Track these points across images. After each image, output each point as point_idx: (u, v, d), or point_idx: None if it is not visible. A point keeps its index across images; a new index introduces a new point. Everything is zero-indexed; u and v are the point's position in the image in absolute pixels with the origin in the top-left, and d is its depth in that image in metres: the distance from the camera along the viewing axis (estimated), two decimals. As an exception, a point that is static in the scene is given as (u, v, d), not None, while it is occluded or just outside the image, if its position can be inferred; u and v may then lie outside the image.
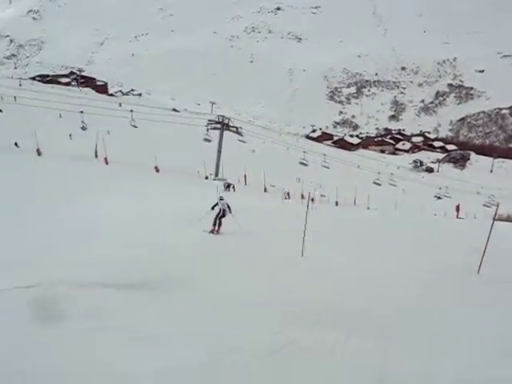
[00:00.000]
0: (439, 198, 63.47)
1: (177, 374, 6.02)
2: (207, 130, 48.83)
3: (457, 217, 44.80)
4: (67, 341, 6.49)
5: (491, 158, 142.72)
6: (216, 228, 16.55)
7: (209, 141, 50.32)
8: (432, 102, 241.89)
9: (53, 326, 6.91)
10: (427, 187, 67.82)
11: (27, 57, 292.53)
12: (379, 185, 60.13)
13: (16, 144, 34.60)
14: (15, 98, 48.37)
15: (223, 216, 16.61)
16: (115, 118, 50.85)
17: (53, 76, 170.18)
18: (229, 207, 16.82)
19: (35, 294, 7.96)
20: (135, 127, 49.27)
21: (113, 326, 7.16)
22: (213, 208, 16.64)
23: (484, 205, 61.59)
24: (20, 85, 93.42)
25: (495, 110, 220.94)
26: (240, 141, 50.16)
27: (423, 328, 8.60)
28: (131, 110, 46.90)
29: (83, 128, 45.31)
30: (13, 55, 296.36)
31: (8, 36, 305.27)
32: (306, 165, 57.14)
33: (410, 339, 8.02)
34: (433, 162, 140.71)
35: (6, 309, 7.20)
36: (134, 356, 6.32)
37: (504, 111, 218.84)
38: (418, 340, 7.99)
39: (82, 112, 43.56)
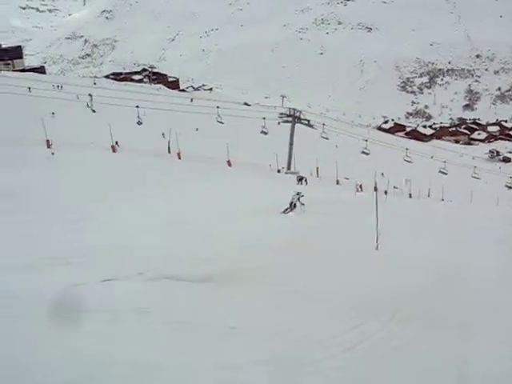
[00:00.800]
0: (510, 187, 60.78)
1: (252, 367, 6.00)
2: (264, 122, 48.30)
3: None
4: (142, 334, 6.61)
5: None
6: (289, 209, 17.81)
7: (265, 133, 49.06)
8: (509, 90, 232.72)
9: (128, 320, 6.98)
10: (505, 178, 65.29)
11: (101, 56, 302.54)
12: (445, 174, 58.03)
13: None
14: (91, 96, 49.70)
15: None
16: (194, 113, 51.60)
17: (126, 74, 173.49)
18: (299, 200, 17.99)
19: (111, 287, 8.23)
20: (222, 123, 50.06)
21: (188, 319, 7.22)
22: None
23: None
24: (95, 83, 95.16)
25: None
26: (323, 137, 49.68)
27: (504, 324, 8.37)
28: (217, 107, 47.76)
29: (139, 123, 46.05)
30: (87, 55, 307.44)
31: (82, 36, 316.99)
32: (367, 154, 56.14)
33: (491, 336, 7.82)
34: (510, 152, 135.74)
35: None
36: (210, 349, 6.34)
37: None
38: (498, 337, 7.78)
39: (137, 107, 43.19)
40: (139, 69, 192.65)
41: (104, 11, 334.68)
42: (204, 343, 6.52)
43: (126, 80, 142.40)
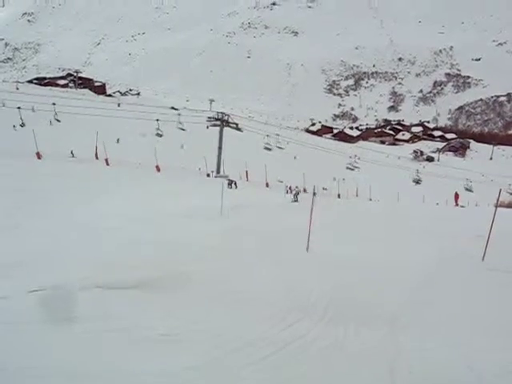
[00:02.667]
0: (470, 190, 63.05)
1: (186, 373, 6.09)
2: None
3: (456, 205, 44.42)
4: (74, 343, 6.55)
5: (491, 146, 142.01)
6: None
7: (183, 129, 49.31)
8: (430, 92, 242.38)
9: (59, 329, 6.90)
10: (431, 177, 67.28)
11: (23, 60, 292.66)
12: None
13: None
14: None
15: None
16: (115, 118, 51.03)
17: (50, 78, 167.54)
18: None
19: (41, 297, 8.00)
20: (161, 136, 49.36)
21: (120, 327, 7.17)
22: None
23: (466, 189, 62.41)
24: (17, 88, 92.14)
25: (492, 97, 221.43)
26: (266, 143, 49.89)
27: (432, 317, 8.69)
28: (157, 120, 46.84)
29: (57, 119, 44.58)
30: (8, 59, 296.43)
31: (3, 39, 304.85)
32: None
33: (420, 329, 8.09)
34: (433, 152, 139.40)
35: (13, 312, 7.26)
36: (143, 356, 6.36)
37: (501, 98, 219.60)
38: (428, 329, 8.07)
39: (54, 104, 42.78)
40: (64, 73, 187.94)
41: (25, 14, 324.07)
42: (136, 351, 6.58)
43: (50, 85, 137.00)
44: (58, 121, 43.37)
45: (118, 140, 53.47)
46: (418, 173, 64.67)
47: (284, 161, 65.68)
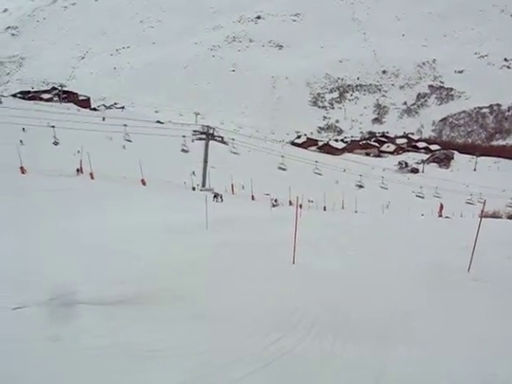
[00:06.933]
0: (421, 197, 63.44)
1: None
2: (184, 140, 48.67)
3: (439, 216, 44.73)
4: (53, 363, 6.27)
5: (474, 157, 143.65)
6: None
7: (186, 151, 50.03)
8: (414, 104, 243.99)
9: (38, 347, 6.62)
10: (414, 188, 67.27)
11: (7, 74, 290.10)
12: (362, 187, 60.09)
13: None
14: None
15: None
16: (100, 132, 50.14)
17: (34, 92, 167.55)
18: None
19: (23, 315, 7.74)
20: (130, 141, 48.91)
21: (101, 344, 6.92)
22: None
23: (467, 202, 61.94)
24: (0, 102, 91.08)
25: (475, 109, 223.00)
26: (233, 153, 49.89)
27: (418, 330, 8.52)
28: (125, 125, 46.70)
29: (55, 143, 44.89)
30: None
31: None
32: (284, 169, 57.16)
33: (406, 342, 7.87)
34: (417, 163, 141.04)
35: None
36: (127, 373, 6.15)
37: (484, 110, 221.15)
38: (413, 343, 7.85)
39: (53, 127, 42.76)
40: (49, 87, 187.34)
41: (9, 27, 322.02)
42: (119, 368, 6.27)
43: (34, 99, 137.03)
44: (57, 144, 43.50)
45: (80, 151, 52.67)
46: (420, 188, 64.05)
47: (272, 174, 65.72)
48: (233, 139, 54.12)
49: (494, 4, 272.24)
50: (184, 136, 49.45)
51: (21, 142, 46.76)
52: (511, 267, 13.45)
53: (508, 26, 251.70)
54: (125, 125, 47.67)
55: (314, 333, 8.19)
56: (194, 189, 45.58)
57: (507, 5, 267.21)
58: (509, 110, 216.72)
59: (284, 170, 55.27)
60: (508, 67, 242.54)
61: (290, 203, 42.90)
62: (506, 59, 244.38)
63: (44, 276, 9.83)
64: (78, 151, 43.48)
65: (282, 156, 54.34)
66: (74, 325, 7.54)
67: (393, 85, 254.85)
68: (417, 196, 64.10)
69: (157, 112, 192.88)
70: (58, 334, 7.00)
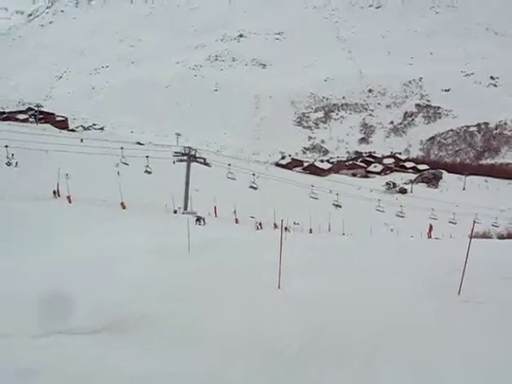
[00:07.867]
0: (401, 216, 63.28)
1: None
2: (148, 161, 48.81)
3: (429, 237, 43.91)
4: None
5: (463, 176, 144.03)
6: None
7: (149, 172, 49.35)
8: (401, 123, 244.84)
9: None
10: (403, 209, 66.44)
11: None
12: (340, 206, 60.12)
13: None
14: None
15: None
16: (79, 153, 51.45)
17: (9, 113, 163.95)
18: None
19: None
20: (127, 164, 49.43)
21: (85, 374, 6.68)
22: None
23: (450, 222, 62.13)
24: None
25: (463, 127, 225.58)
26: (230, 178, 51.40)
27: (407, 353, 7.97)
28: (121, 148, 47.93)
29: (8, 164, 44.36)
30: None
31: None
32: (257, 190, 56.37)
33: (395, 366, 7.53)
34: (406, 183, 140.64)
35: None
36: None
37: (472, 129, 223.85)
38: (402, 366, 7.51)
39: (6, 146, 42.03)
40: (24, 107, 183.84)
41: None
42: None
43: (9, 119, 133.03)
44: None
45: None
46: (401, 208, 64.06)
47: (256, 196, 64.77)
48: (229, 164, 53.87)
49: (479, 22, 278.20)
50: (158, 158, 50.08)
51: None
52: (502, 288, 12.66)
53: (493, 44, 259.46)
54: (121, 147, 48.37)
55: (301, 360, 7.94)
56: (175, 212, 44.74)
57: (491, 23, 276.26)
58: (496, 129, 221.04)
59: (257, 190, 55.37)
60: (494, 85, 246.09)
61: (275, 226, 42.32)
62: (492, 77, 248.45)
63: (19, 304, 9.44)
64: (67, 174, 43.61)
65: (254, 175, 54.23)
66: (51, 356, 7.28)
67: (379, 104, 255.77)
68: (397, 216, 64.49)
69: (132, 132, 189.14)
70: (33, 368, 6.81)
